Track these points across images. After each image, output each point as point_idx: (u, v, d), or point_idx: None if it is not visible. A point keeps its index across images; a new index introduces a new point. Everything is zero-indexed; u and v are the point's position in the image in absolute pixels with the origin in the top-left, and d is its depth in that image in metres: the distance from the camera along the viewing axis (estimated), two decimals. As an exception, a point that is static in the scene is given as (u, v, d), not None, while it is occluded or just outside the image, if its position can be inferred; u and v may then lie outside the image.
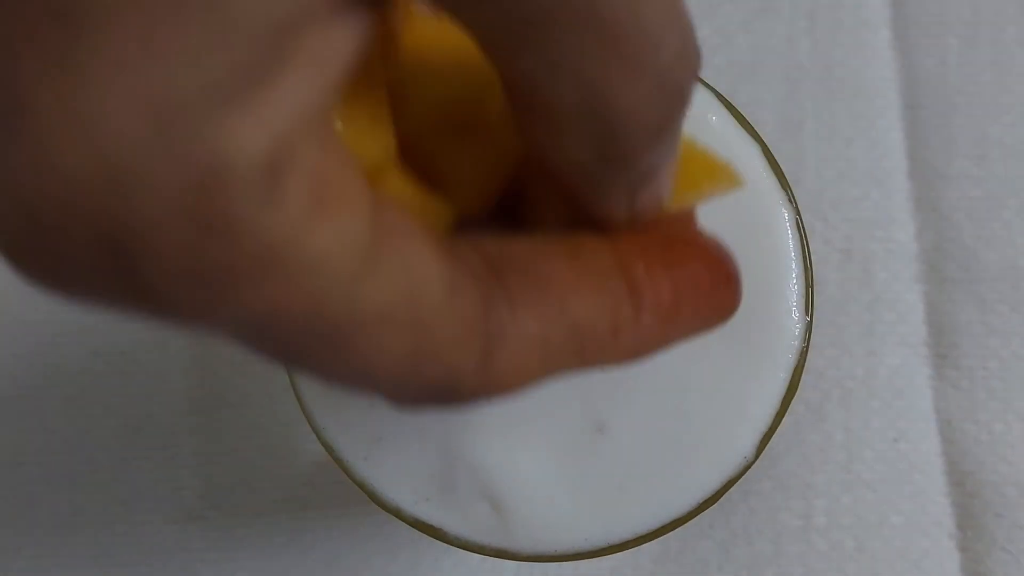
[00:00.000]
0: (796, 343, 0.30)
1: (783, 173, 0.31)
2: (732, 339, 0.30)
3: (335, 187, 0.16)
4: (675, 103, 0.18)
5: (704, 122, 0.31)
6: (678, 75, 0.17)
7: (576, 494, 0.30)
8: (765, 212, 0.31)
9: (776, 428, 0.30)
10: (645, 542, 0.30)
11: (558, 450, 0.30)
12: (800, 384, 0.44)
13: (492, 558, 0.43)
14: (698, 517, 0.43)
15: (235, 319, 0.15)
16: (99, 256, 0.14)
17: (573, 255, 0.20)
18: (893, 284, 0.45)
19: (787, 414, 0.43)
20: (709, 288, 0.22)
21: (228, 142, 0.14)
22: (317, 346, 0.16)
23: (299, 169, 0.15)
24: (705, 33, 0.47)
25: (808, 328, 0.30)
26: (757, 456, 0.30)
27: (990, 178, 0.45)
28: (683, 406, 0.30)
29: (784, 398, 0.30)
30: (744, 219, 0.31)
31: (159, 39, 0.13)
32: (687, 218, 0.24)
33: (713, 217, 0.31)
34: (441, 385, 0.18)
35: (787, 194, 0.31)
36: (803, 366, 0.30)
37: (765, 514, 0.44)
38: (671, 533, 0.43)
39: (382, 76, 0.20)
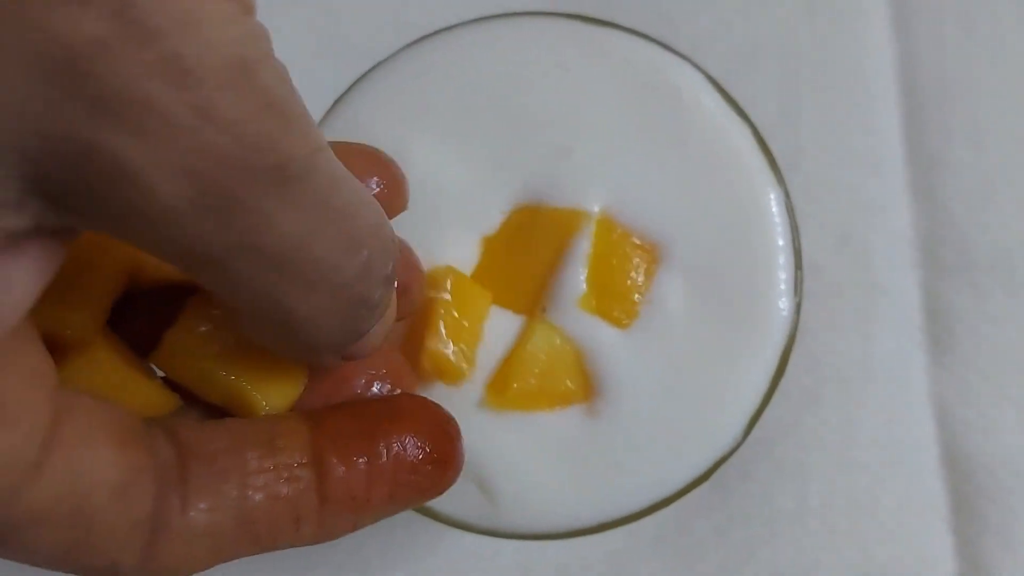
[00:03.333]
0: (785, 324, 0.31)
1: (772, 155, 0.32)
2: (722, 320, 0.30)
3: (4, 405, 0.17)
4: (359, 312, 0.20)
5: (696, 104, 0.32)
6: (360, 289, 0.19)
7: (566, 476, 0.30)
8: (754, 193, 0.31)
9: (765, 408, 0.30)
10: (635, 520, 0.30)
11: (549, 434, 0.30)
12: (796, 368, 0.44)
13: (487, 542, 0.44)
14: (695, 500, 0.43)
15: None
16: None
17: (267, 446, 0.21)
18: (889, 270, 0.45)
19: (783, 398, 0.44)
20: (414, 468, 0.23)
21: None
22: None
23: None
24: (704, 21, 0.47)
25: (797, 309, 0.31)
26: (746, 436, 0.30)
27: (986, 165, 0.46)
28: (674, 387, 0.30)
29: (773, 378, 0.30)
30: (734, 201, 0.31)
31: None
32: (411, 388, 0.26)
33: (703, 199, 0.31)
34: (109, 571, 0.19)
35: (776, 176, 0.31)
36: (792, 346, 0.31)
37: (761, 496, 0.44)
38: (668, 516, 0.43)
39: (98, 260, 0.22)
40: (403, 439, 0.23)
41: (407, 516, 0.42)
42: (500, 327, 0.30)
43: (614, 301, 0.30)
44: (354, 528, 0.23)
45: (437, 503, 0.30)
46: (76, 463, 0.18)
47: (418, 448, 0.23)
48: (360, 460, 0.22)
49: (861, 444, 0.44)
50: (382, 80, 0.33)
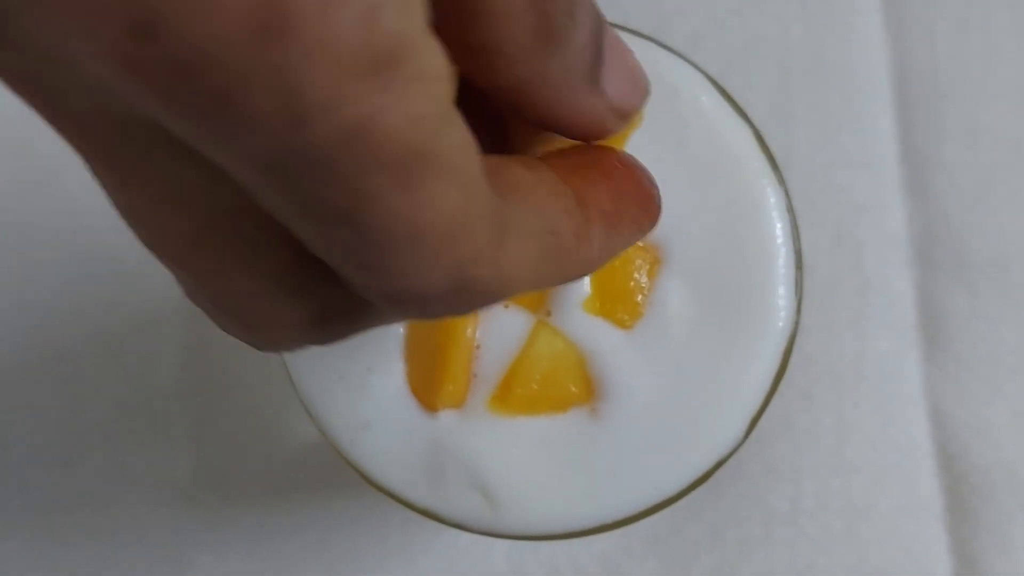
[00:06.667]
0: (785, 324, 0.30)
1: (773, 156, 0.31)
2: (723, 321, 0.30)
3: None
4: None
5: (695, 104, 0.31)
6: None
7: (568, 481, 0.30)
8: (755, 194, 0.31)
9: (765, 409, 0.30)
10: (634, 522, 0.30)
11: (552, 438, 0.30)
12: (790, 367, 0.44)
13: (483, 542, 0.44)
14: (688, 500, 0.43)
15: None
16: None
17: (528, 166, 0.20)
18: (883, 269, 0.45)
19: (777, 398, 0.44)
20: (636, 195, 0.23)
21: None
22: (387, 179, 0.15)
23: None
24: (698, 19, 0.47)
25: (797, 310, 0.31)
26: (746, 437, 0.30)
27: (980, 164, 0.46)
28: (676, 388, 0.30)
29: (774, 379, 0.30)
30: (734, 202, 0.31)
31: None
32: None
33: (704, 200, 0.31)
34: (460, 268, 0.17)
35: (777, 176, 0.31)
36: (792, 347, 0.31)
37: (755, 498, 0.44)
38: (661, 517, 0.43)
39: None
40: (619, 166, 0.23)
41: (402, 516, 0.42)
42: (507, 331, 0.30)
43: (618, 302, 0.30)
44: (614, 252, 0.22)
45: (438, 507, 0.30)
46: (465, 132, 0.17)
47: (633, 176, 0.23)
48: (601, 184, 0.22)
49: (855, 444, 0.44)
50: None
